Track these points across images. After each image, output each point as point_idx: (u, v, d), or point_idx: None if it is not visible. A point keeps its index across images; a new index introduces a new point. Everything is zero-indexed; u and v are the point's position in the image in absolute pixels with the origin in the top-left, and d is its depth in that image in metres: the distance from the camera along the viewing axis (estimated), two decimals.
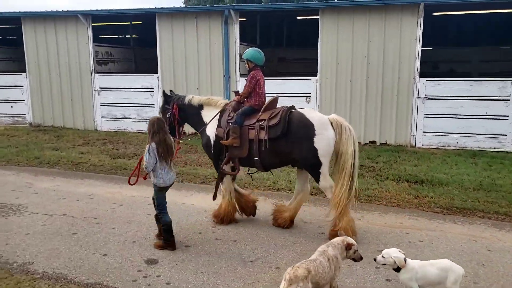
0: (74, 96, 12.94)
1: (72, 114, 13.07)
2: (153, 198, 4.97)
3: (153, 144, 4.56)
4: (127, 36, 16.93)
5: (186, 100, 5.76)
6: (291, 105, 5.37)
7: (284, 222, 5.46)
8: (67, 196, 6.83)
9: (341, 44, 10.52)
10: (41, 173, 8.31)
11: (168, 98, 5.90)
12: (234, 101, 5.55)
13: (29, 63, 13.23)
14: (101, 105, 12.80)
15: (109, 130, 12.73)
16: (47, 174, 8.24)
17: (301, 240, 5.18)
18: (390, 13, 10.06)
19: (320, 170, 5.01)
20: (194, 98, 5.76)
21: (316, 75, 10.90)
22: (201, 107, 5.72)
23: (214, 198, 5.70)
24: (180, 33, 11.68)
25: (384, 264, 3.62)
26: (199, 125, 5.74)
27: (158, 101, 12.19)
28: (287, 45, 16.81)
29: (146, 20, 13.69)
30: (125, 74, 13.11)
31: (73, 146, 10.77)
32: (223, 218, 5.58)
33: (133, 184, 5.02)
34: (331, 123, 5.05)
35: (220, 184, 5.60)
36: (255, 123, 5.18)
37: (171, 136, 4.99)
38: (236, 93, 5.67)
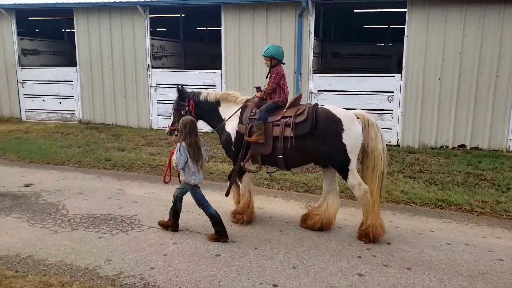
0: (128, 93, 12.20)
1: (125, 111, 12.34)
2: (174, 196, 5.01)
3: (184, 144, 4.65)
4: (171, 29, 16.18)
5: (202, 97, 5.63)
6: (328, 105, 5.17)
7: (314, 224, 5.25)
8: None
9: (431, 39, 9.73)
10: (123, 177, 7.57)
11: (182, 94, 5.73)
12: (256, 97, 5.37)
13: (80, 57, 12.48)
14: (157, 102, 12.05)
15: (166, 128, 11.95)
16: (130, 179, 7.50)
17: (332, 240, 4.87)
18: (491, 6, 9.26)
19: (348, 167, 4.86)
20: (211, 94, 5.64)
21: (400, 72, 10.13)
22: (218, 103, 5.60)
23: (227, 195, 5.58)
24: (248, 26, 10.89)
25: None
26: (217, 121, 5.61)
27: None
28: (343, 39, 15.97)
29: (208, 13, 12.91)
30: (185, 70, 12.35)
31: (137, 147, 10.03)
32: (243, 218, 5.43)
33: (168, 182, 5.04)
34: (358, 119, 4.95)
35: (239, 182, 5.48)
36: (280, 119, 5.05)
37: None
38: (258, 89, 5.52)
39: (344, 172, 4.90)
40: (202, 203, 4.85)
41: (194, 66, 14.26)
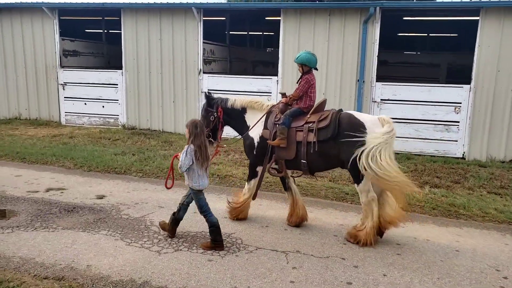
0: (176, 98, 11.77)
1: (173, 117, 11.90)
2: (180, 204, 4.93)
3: (192, 146, 4.55)
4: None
5: (229, 103, 5.72)
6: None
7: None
8: (270, 224, 5.66)
9: (505, 49, 9.31)
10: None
11: (211, 101, 5.80)
12: (281, 102, 5.46)
13: (127, 59, 12.07)
14: None
15: None
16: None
17: None
18: None
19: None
20: (237, 101, 5.72)
21: (469, 83, 9.70)
22: (244, 110, 5.71)
23: (254, 198, 5.70)
24: (309, 31, 10.47)
25: None
26: (242, 128, 5.73)
27: None
28: (391, 47, 15.45)
29: (253, 16, 12.49)
30: (238, 76, 11.92)
31: None
32: (237, 216, 5.64)
33: (170, 188, 5.00)
34: (380, 123, 4.98)
35: (246, 182, 5.65)
36: (303, 125, 5.17)
37: (212, 140, 5.48)
38: (283, 95, 5.60)
39: (357, 176, 4.94)
40: (204, 210, 4.77)
41: (239, 71, 13.85)
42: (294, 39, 10.61)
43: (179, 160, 4.64)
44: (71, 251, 4.64)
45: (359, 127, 4.89)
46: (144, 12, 11.67)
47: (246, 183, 5.67)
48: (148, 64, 11.87)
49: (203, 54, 11.68)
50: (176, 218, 4.96)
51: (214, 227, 4.72)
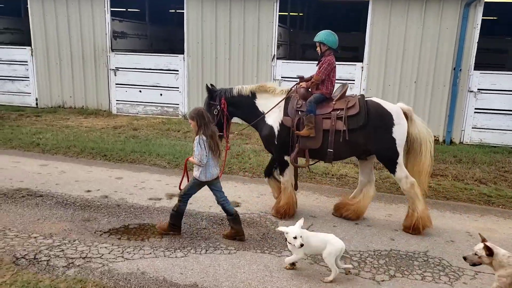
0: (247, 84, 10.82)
1: None
2: (220, 204, 4.61)
3: (204, 137, 4.32)
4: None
5: (235, 92, 5.30)
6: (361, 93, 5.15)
7: (349, 214, 5.30)
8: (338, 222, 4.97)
9: None
10: (329, 192, 6.36)
11: (213, 93, 5.36)
12: (302, 87, 5.11)
13: (189, 43, 11.00)
14: None
15: None
16: (329, 193, 6.31)
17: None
18: None
19: (397, 161, 4.92)
20: (244, 87, 5.33)
21: None
22: (254, 96, 5.31)
23: (296, 188, 5.44)
24: (401, 15, 9.62)
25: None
26: (254, 115, 5.30)
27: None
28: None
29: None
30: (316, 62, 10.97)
31: None
32: (287, 211, 5.24)
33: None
34: (404, 113, 4.95)
35: (281, 176, 5.31)
36: (330, 112, 4.92)
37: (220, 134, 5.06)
38: (301, 78, 5.31)
39: (392, 166, 4.94)
40: (185, 196, 4.54)
41: (314, 57, 12.89)
42: (384, 23, 9.75)
43: (190, 161, 4.44)
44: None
45: (388, 117, 4.86)
46: None
47: (281, 176, 5.29)
48: (215, 49, 10.85)
49: (278, 38, 10.72)
50: (232, 216, 4.60)
51: (178, 214, 4.57)
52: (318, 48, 5.14)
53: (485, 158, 8.62)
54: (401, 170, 4.93)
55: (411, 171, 4.99)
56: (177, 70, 11.22)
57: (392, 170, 4.97)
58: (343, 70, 10.31)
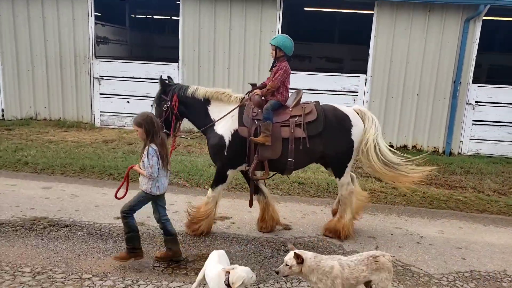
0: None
1: None
2: (161, 222, 4.09)
3: (154, 146, 3.85)
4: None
5: (189, 92, 4.89)
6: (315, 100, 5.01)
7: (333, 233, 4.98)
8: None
9: None
10: (408, 213, 6.07)
11: (166, 88, 4.94)
12: (256, 94, 4.83)
13: (184, 51, 10.28)
14: None
15: None
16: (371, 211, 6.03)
17: None
18: None
19: (348, 165, 4.84)
20: (200, 90, 4.92)
21: None
22: (207, 101, 4.91)
23: (251, 205, 4.97)
24: (405, 28, 9.72)
25: None
26: (204, 122, 4.92)
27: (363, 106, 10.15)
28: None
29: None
30: (320, 74, 10.72)
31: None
32: (200, 228, 4.75)
33: (121, 198, 4.07)
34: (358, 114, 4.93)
35: (210, 189, 4.85)
36: (288, 119, 4.71)
37: (166, 132, 4.76)
38: (254, 85, 5.04)
39: (342, 169, 4.83)
40: (129, 212, 3.95)
41: (319, 68, 12.68)
42: (388, 36, 9.79)
43: (135, 170, 3.96)
44: None
45: (345, 120, 4.79)
46: None
47: (210, 189, 4.85)
48: (213, 58, 10.27)
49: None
50: (172, 236, 4.11)
51: (133, 233, 3.97)
52: (272, 52, 4.87)
53: (490, 168, 8.85)
54: (347, 175, 4.86)
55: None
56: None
57: (340, 174, 4.84)
58: (347, 81, 10.24)
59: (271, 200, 5.05)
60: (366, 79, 10.09)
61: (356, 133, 4.79)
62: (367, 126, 4.86)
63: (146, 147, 3.84)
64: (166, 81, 5.00)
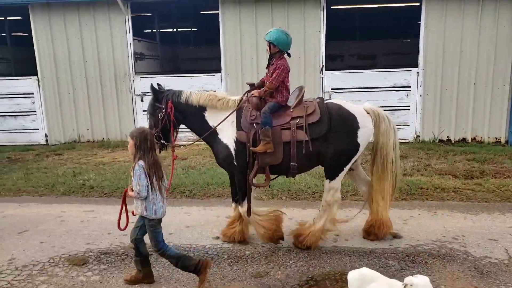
0: None
1: None
2: (132, 241, 3.79)
3: (142, 163, 3.54)
4: None
5: (183, 98, 4.58)
6: (318, 96, 4.75)
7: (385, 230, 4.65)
8: None
9: None
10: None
11: (159, 95, 4.64)
12: (253, 96, 4.48)
13: (226, 60, 10.06)
14: None
15: None
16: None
17: None
18: None
19: (344, 169, 4.44)
20: (193, 95, 4.60)
21: None
22: (202, 108, 4.58)
23: (249, 214, 4.51)
24: (457, 18, 9.37)
25: None
26: (202, 129, 4.62)
27: (416, 103, 9.83)
28: None
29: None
30: (369, 71, 10.38)
31: None
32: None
33: (124, 229, 3.82)
34: (369, 114, 4.51)
35: (239, 206, 4.55)
36: (289, 121, 4.36)
37: (164, 142, 4.56)
38: (252, 85, 4.66)
39: (337, 172, 4.43)
40: (161, 247, 3.72)
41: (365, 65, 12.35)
42: (438, 27, 9.44)
43: (128, 194, 3.68)
44: None
45: (352, 120, 4.38)
46: (249, 2, 9.78)
47: (240, 207, 4.55)
48: (256, 64, 10.02)
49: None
50: (142, 257, 3.83)
51: (180, 258, 3.73)
52: (267, 48, 4.53)
53: None
54: (339, 181, 4.46)
55: (373, 178, 4.60)
56: (215, 91, 10.20)
57: (332, 176, 4.43)
58: (397, 77, 9.90)
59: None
60: (418, 73, 9.73)
61: (363, 135, 4.36)
62: (384, 128, 4.46)
63: (134, 164, 3.57)
64: (157, 89, 4.71)
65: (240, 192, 4.54)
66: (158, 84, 4.81)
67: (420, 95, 9.75)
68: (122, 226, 3.83)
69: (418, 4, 9.57)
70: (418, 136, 9.93)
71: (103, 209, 6.00)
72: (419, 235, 4.83)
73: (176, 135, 4.79)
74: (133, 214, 3.78)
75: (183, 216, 5.63)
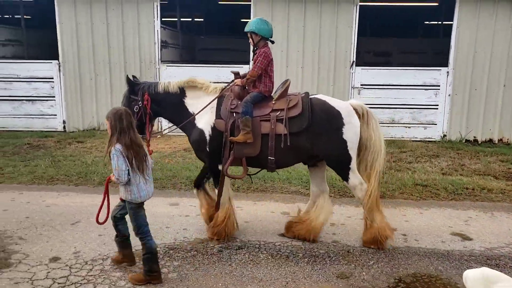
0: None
1: None
2: (114, 217, 3.70)
3: (118, 146, 3.37)
4: None
5: (161, 88, 4.56)
6: (305, 91, 4.59)
7: (303, 234, 4.49)
8: None
9: None
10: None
11: (135, 87, 4.62)
12: (236, 85, 4.45)
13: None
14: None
15: None
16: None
17: None
18: None
19: (350, 166, 4.33)
20: (172, 83, 4.58)
21: None
22: (183, 93, 4.58)
23: (217, 208, 4.53)
24: (489, 18, 9.32)
25: None
26: (183, 117, 4.55)
27: (444, 102, 9.79)
28: None
29: None
30: (400, 68, 10.29)
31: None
32: (224, 232, 4.47)
33: (103, 223, 3.68)
34: (355, 110, 4.39)
35: (215, 190, 4.57)
36: (269, 113, 4.29)
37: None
38: (237, 74, 4.56)
39: (344, 172, 4.36)
40: (143, 231, 3.60)
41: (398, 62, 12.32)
42: (471, 27, 9.40)
43: (112, 180, 3.50)
44: None
45: (336, 116, 4.27)
46: None
47: (216, 190, 4.55)
48: (286, 56, 9.85)
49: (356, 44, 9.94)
50: (123, 238, 3.77)
51: (150, 254, 3.60)
52: (250, 40, 4.52)
53: None
54: (355, 176, 4.35)
55: (362, 176, 4.45)
56: None
57: (345, 177, 4.38)
58: (427, 75, 9.85)
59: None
60: (448, 72, 9.70)
61: (348, 132, 4.25)
62: (374, 124, 4.38)
63: (111, 147, 3.40)
64: (133, 80, 4.65)
65: (213, 177, 4.55)
66: (133, 76, 4.76)
67: (449, 95, 9.73)
68: (101, 220, 3.64)
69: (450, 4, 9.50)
70: (445, 135, 9.92)
71: (151, 201, 5.78)
72: (488, 237, 4.76)
73: (152, 129, 4.72)
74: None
75: (237, 211, 5.48)
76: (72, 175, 7.01)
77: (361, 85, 9.88)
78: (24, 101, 10.45)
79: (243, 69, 10.09)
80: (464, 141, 9.82)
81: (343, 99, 9.38)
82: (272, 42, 4.54)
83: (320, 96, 4.49)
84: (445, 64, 9.79)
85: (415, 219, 5.32)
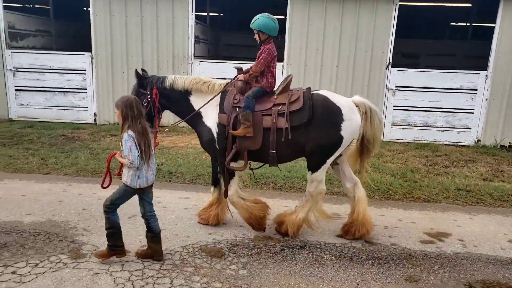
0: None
1: None
2: (143, 215, 3.89)
3: (131, 133, 3.55)
4: None
5: (168, 83, 4.62)
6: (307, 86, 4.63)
7: (362, 231, 4.51)
8: None
9: None
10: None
11: (143, 80, 4.67)
12: (239, 80, 4.54)
13: (290, 50, 9.80)
14: (393, 109, 9.90)
15: (403, 141, 9.89)
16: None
17: None
18: None
19: (327, 161, 4.37)
20: (178, 80, 4.65)
21: None
22: (187, 92, 4.64)
23: (226, 195, 4.63)
24: None
25: None
26: (188, 113, 4.65)
27: (480, 106, 9.66)
28: None
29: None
30: (435, 71, 10.14)
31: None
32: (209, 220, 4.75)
33: (107, 187, 3.87)
34: (358, 107, 4.42)
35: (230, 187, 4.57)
36: (271, 108, 4.37)
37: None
38: (240, 70, 4.67)
39: (320, 164, 4.37)
40: (113, 206, 3.75)
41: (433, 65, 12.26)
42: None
43: (116, 158, 3.69)
44: None
45: (336, 113, 4.31)
46: None
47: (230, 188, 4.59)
48: (321, 56, 9.77)
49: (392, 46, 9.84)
50: (154, 234, 3.90)
51: (114, 229, 3.77)
52: (256, 36, 4.53)
53: None
54: (323, 172, 4.40)
55: (360, 167, 4.63)
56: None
57: (315, 168, 4.39)
58: (465, 78, 9.71)
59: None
60: (486, 76, 9.56)
61: (347, 128, 4.29)
62: (377, 122, 4.40)
63: (125, 134, 3.57)
64: (141, 74, 4.70)
65: (224, 175, 4.59)
66: (142, 70, 4.82)
67: (486, 99, 9.59)
68: (105, 184, 3.84)
69: (493, 7, 9.35)
70: (479, 140, 9.80)
71: (196, 196, 5.80)
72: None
73: (159, 121, 4.80)
74: (117, 175, 3.84)
75: (280, 209, 5.45)
76: (115, 168, 7.00)
77: (396, 86, 9.78)
78: (56, 92, 10.50)
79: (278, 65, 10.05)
80: (499, 146, 9.70)
81: (377, 101, 9.68)
82: (277, 38, 4.60)
83: (322, 92, 4.55)
84: (483, 67, 9.66)
85: (467, 224, 5.26)
